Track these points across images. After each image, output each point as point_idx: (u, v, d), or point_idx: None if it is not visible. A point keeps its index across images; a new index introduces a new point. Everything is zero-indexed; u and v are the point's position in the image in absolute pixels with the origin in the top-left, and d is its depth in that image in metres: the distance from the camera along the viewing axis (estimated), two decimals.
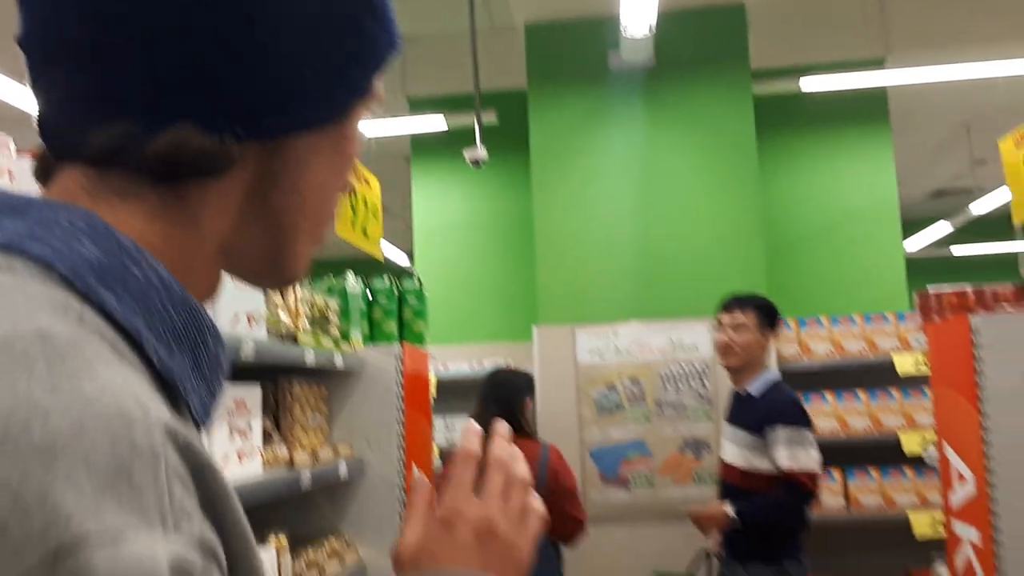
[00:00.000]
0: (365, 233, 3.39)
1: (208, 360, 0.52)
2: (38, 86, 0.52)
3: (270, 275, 0.60)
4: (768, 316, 3.20)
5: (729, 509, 3.00)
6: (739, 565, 3.06)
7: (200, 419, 0.51)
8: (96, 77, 0.49)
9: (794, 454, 2.94)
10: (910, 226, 9.81)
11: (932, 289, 3.24)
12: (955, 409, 2.58)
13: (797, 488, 2.94)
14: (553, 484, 3.09)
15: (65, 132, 0.51)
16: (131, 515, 0.37)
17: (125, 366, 0.43)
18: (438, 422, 4.76)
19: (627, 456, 4.18)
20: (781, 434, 2.96)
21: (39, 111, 0.52)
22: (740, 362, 3.15)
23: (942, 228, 8.73)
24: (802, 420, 3.03)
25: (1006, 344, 2.39)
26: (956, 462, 2.61)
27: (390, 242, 8.86)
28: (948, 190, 9.20)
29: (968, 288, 2.83)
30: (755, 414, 3.07)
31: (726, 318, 3.19)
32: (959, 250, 9.91)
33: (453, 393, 4.72)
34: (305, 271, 0.61)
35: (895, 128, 5.14)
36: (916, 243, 9.27)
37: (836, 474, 4.24)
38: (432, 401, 4.66)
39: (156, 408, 0.42)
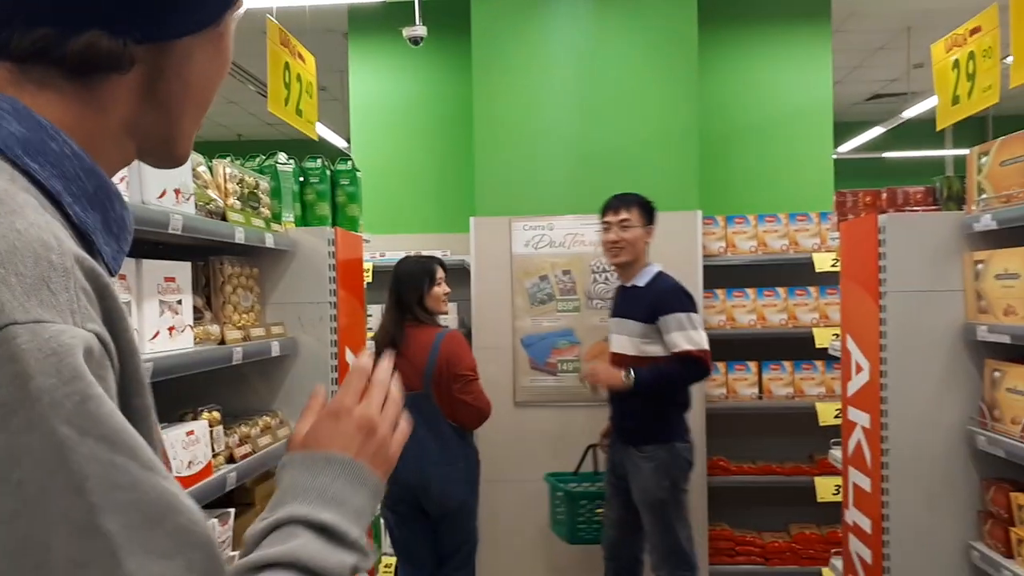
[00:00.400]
0: (299, 112, 3.32)
1: (115, 220, 0.66)
2: None
3: (163, 154, 0.74)
4: (648, 213, 3.43)
5: (625, 373, 3.23)
6: (633, 448, 3.30)
7: (112, 268, 0.66)
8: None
9: (689, 336, 3.20)
10: (845, 128, 10.01)
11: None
12: (859, 303, 2.75)
13: (695, 363, 3.20)
14: (444, 369, 3.24)
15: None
16: (49, 310, 0.51)
17: (47, 215, 0.57)
18: (374, 308, 4.81)
19: (557, 344, 4.33)
20: (676, 320, 3.20)
21: None
22: (629, 257, 3.37)
23: (876, 132, 8.92)
24: (691, 305, 3.31)
25: (909, 241, 2.54)
26: (855, 353, 2.81)
27: (328, 125, 8.64)
28: (884, 94, 9.36)
29: (883, 190, 2.95)
30: (645, 304, 3.29)
31: (612, 217, 3.38)
32: (891, 154, 10.18)
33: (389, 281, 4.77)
34: (188, 151, 0.75)
35: (836, 28, 5.16)
36: (849, 145, 9.48)
37: (752, 366, 4.48)
38: (368, 287, 4.71)
39: (68, 242, 0.56)
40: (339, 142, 9.39)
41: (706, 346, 3.24)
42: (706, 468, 4.31)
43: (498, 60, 4.41)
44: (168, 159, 0.74)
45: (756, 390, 4.49)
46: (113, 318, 0.58)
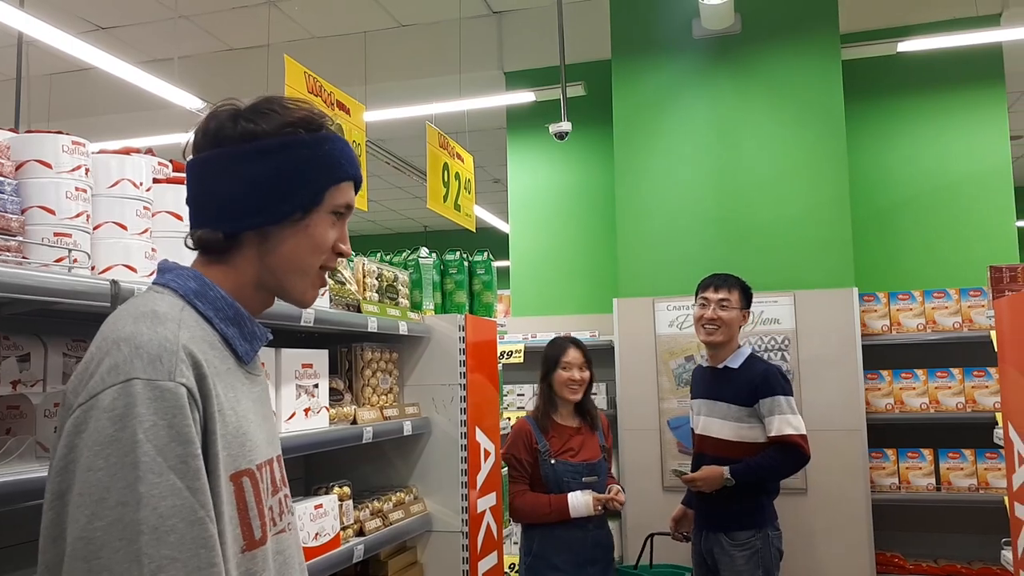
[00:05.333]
0: (457, 207, 3.60)
1: (248, 332, 1.13)
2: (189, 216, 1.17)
3: (287, 299, 1.18)
4: (747, 296, 3.39)
5: (724, 470, 3.17)
6: (724, 536, 3.19)
7: (245, 359, 1.12)
8: (189, 216, 1.15)
9: (789, 420, 3.14)
10: None
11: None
12: (1016, 388, 2.50)
13: (796, 451, 3.13)
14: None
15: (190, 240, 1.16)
16: (157, 373, 0.94)
17: (195, 327, 1.04)
18: (526, 388, 4.96)
19: None
20: (778, 403, 3.14)
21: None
22: (724, 337, 3.31)
23: None
24: (790, 388, 3.23)
25: None
26: (1018, 443, 2.54)
27: (501, 215, 9.10)
28: None
29: None
30: (742, 386, 3.22)
31: (712, 295, 3.34)
32: None
33: (540, 361, 4.91)
34: (306, 299, 1.18)
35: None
36: None
37: (927, 453, 4.12)
38: (520, 368, 4.86)
39: (185, 340, 1.00)
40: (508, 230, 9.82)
41: (804, 430, 3.17)
42: (875, 564, 3.97)
43: (639, 144, 4.52)
44: (292, 302, 1.19)
45: (933, 480, 4.11)
46: (204, 390, 0.99)
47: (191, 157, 1.13)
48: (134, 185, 1.66)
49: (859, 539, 3.96)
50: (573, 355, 3.32)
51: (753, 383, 3.19)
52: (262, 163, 1.10)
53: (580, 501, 3.19)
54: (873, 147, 4.73)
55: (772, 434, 3.14)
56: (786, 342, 4.13)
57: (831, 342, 4.06)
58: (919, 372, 4.12)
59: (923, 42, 4.45)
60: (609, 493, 3.22)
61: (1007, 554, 2.84)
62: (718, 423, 3.28)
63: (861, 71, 4.65)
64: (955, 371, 4.08)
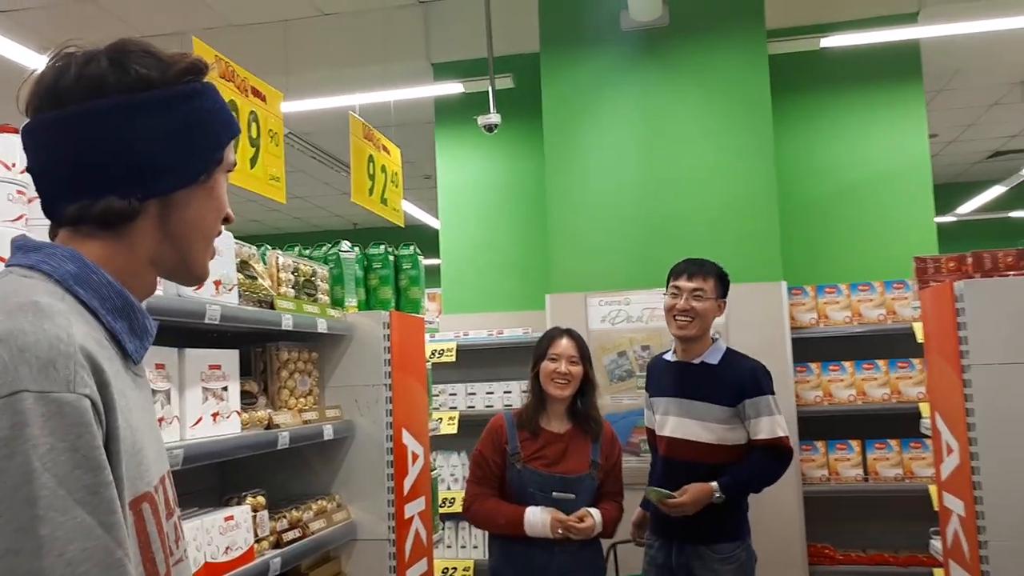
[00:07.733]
0: (384, 201, 3.44)
1: (138, 326, 0.95)
2: (38, 188, 0.96)
3: (184, 275, 1.03)
4: (724, 285, 3.06)
5: (713, 487, 2.84)
6: (704, 548, 2.89)
7: (135, 358, 0.94)
8: (61, 184, 0.93)
9: (778, 422, 2.87)
10: (966, 188, 9.43)
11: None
12: (943, 377, 2.51)
13: (786, 453, 2.88)
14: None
15: (54, 211, 0.95)
16: (51, 383, 0.76)
17: (82, 322, 0.85)
18: (459, 387, 4.83)
19: (639, 423, 4.18)
20: (766, 403, 2.87)
21: (42, 202, 0.97)
22: (698, 330, 2.97)
23: (996, 191, 8.37)
24: (772, 386, 2.94)
25: (990, 310, 2.31)
26: (945, 433, 2.55)
27: (432, 211, 8.95)
28: (1006, 151, 8.78)
29: (968, 254, 2.72)
30: (726, 385, 2.89)
31: (686, 284, 2.98)
32: (1018, 214, 9.48)
33: (473, 359, 4.79)
34: (206, 271, 1.03)
35: (942, 87, 4.92)
36: (972, 205, 8.90)
37: (855, 444, 4.17)
38: (453, 366, 4.73)
39: (80, 338, 0.81)
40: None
41: (787, 430, 2.93)
42: (806, 556, 3.99)
43: (569, 140, 4.45)
44: (189, 278, 1.03)
45: (861, 471, 4.16)
46: (104, 392, 0.82)
47: (57, 111, 0.91)
48: (5, 166, 1.48)
49: (791, 532, 3.97)
50: (563, 345, 2.93)
51: (739, 382, 2.87)
52: (168, 116, 0.94)
53: (538, 519, 2.78)
54: (797, 141, 4.78)
55: (763, 436, 2.84)
56: (716, 336, 4.10)
57: (761, 335, 4.07)
58: (846, 364, 4.16)
59: (845, 38, 4.51)
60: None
61: (936, 544, 2.86)
62: (695, 425, 2.91)
63: (786, 66, 4.68)
64: (880, 363, 4.13)
